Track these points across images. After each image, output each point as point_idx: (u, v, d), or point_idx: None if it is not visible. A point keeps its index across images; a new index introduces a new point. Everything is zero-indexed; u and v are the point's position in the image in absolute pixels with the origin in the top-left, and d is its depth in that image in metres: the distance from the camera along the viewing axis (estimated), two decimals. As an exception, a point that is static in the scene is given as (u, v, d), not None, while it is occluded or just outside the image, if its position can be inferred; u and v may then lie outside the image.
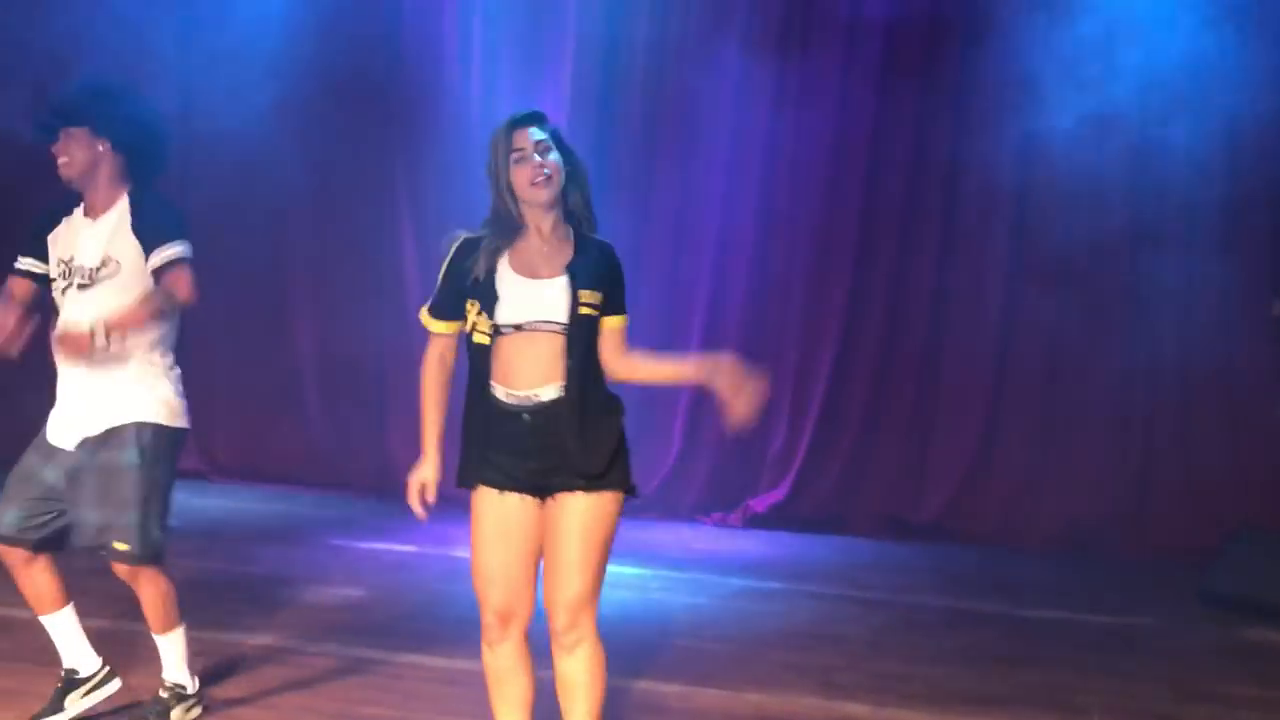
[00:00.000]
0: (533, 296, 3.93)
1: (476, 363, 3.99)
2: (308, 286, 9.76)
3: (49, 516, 4.61)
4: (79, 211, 4.69)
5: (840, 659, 6.09)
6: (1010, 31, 8.60)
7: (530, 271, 3.96)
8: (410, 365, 9.73)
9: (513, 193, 3.95)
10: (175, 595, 4.74)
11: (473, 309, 3.95)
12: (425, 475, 4.03)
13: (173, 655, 4.79)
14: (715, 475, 9.29)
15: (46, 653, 4.87)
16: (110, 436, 4.57)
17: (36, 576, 4.70)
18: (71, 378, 4.63)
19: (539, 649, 4.08)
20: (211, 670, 5.29)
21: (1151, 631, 6.89)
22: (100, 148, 4.59)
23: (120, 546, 4.54)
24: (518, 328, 3.92)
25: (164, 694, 4.78)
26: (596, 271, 4.00)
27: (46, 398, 4.73)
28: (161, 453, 4.64)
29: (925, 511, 9.13)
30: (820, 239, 9.19)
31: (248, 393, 9.57)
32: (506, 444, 3.95)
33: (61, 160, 4.59)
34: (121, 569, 4.59)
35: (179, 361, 4.78)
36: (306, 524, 8.57)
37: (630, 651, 5.73)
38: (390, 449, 9.52)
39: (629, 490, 4.05)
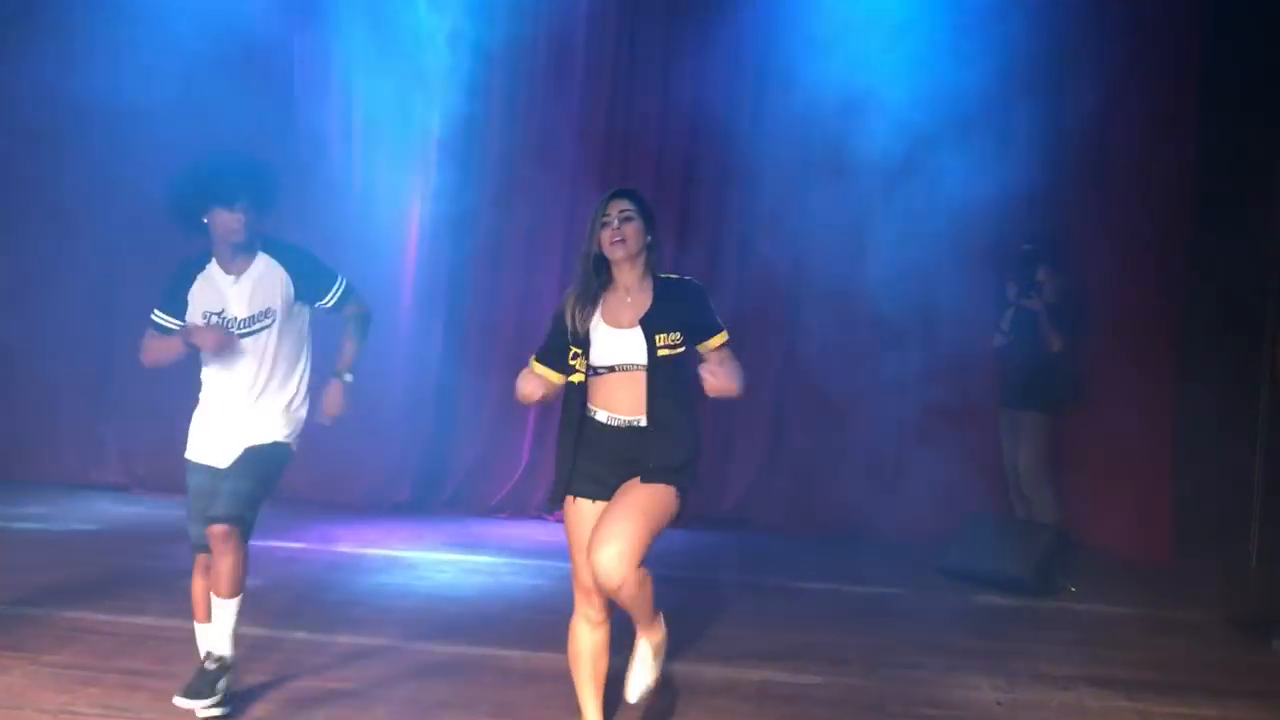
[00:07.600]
0: (620, 343, 3.97)
1: (575, 395, 4.02)
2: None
3: None
4: (214, 267, 4.47)
5: (653, 626, 6.02)
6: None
7: (616, 321, 4.01)
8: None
9: (599, 249, 4.01)
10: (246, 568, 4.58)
11: (575, 355, 4.00)
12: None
13: (228, 621, 4.55)
14: (557, 481, 9.07)
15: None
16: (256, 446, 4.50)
17: (202, 587, 4.62)
18: (229, 404, 4.52)
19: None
20: (123, 648, 5.12)
21: (901, 599, 6.95)
22: (259, 217, 4.45)
23: (235, 510, 4.42)
24: (611, 369, 3.98)
25: (211, 665, 4.48)
26: (672, 314, 4.02)
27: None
28: (282, 463, 4.60)
29: (725, 506, 9.06)
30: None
31: (165, 418, 9.05)
32: (605, 456, 3.99)
33: (235, 239, 4.40)
34: (222, 531, 4.42)
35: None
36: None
37: (481, 625, 5.72)
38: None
39: (679, 487, 3.98)
